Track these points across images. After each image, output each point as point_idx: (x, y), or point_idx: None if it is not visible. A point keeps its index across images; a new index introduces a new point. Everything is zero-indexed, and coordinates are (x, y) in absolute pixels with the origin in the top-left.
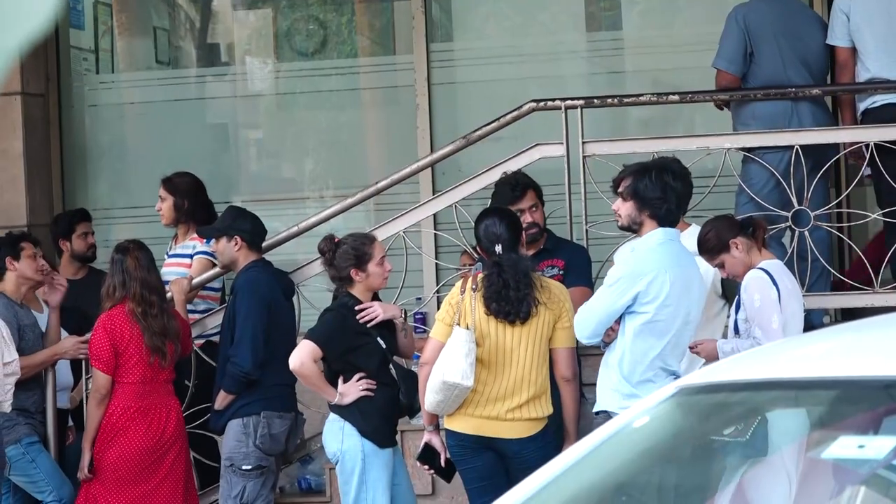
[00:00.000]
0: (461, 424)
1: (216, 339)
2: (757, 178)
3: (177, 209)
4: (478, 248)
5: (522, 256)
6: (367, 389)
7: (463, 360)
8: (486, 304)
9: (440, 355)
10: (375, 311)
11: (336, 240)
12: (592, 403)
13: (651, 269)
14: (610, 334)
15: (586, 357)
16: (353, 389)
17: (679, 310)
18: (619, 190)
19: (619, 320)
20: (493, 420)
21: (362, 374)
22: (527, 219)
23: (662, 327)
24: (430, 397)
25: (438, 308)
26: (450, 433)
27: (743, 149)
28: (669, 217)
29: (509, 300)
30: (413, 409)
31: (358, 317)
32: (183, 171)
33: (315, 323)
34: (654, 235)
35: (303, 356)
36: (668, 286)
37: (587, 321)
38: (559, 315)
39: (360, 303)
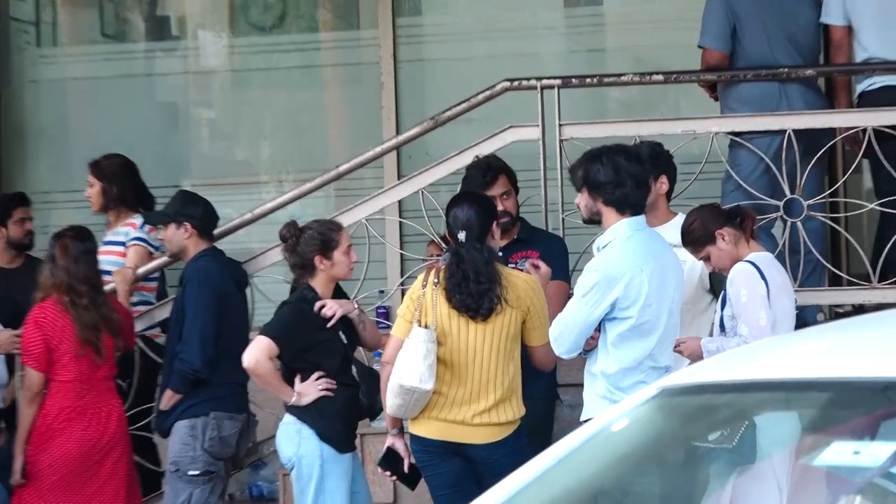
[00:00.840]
0: (426, 429)
1: (149, 332)
2: (745, 163)
3: (104, 194)
4: (447, 236)
5: (485, 248)
6: (327, 389)
7: (421, 363)
8: (447, 297)
9: (398, 356)
10: (333, 308)
11: (299, 226)
12: (569, 405)
13: (625, 270)
14: (590, 342)
15: None
16: (311, 389)
17: (663, 304)
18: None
19: (598, 328)
20: (460, 425)
21: (321, 374)
22: (498, 207)
23: (649, 327)
24: (389, 401)
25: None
26: (414, 438)
27: (731, 133)
28: (628, 202)
29: (470, 293)
30: (374, 410)
31: (316, 308)
32: (112, 153)
33: (271, 317)
34: (619, 229)
35: (257, 353)
36: (646, 285)
37: (564, 336)
38: (526, 313)
39: (320, 296)
